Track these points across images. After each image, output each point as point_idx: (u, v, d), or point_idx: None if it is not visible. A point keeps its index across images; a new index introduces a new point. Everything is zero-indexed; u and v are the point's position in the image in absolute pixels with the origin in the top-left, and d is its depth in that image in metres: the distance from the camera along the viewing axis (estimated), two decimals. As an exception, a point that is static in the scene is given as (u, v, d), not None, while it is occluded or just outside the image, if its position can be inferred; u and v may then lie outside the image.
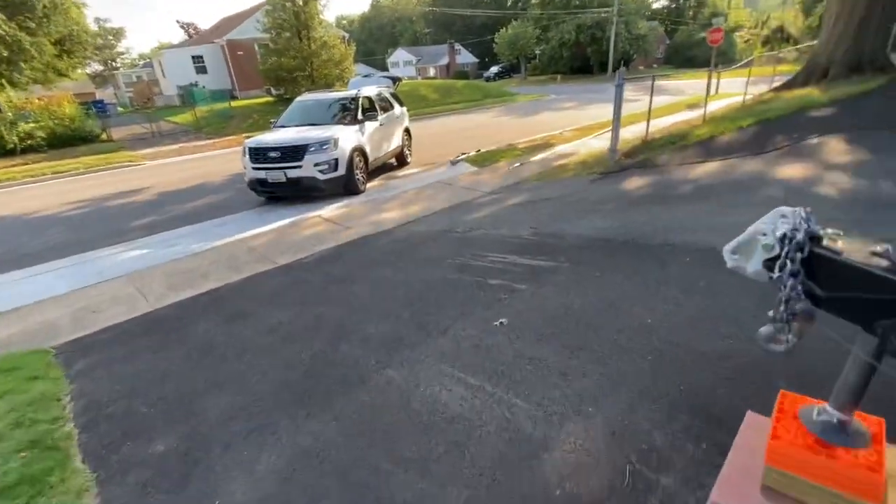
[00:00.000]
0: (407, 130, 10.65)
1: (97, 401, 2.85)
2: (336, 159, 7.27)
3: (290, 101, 21.15)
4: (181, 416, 2.60)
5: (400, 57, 71.49)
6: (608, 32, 39.32)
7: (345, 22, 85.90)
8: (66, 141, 16.12)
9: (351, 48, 24.39)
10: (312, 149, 7.10)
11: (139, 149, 16.13)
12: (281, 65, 21.19)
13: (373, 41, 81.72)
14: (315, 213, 6.87)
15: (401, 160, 10.37)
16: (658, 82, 33.24)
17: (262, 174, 7.25)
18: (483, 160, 9.82)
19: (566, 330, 2.98)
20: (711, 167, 6.34)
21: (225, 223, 6.90)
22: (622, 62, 42.50)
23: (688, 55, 46.19)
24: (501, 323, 3.11)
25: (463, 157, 10.21)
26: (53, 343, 3.78)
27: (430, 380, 2.65)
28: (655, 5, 56.33)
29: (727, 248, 1.18)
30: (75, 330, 3.99)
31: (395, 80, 11.51)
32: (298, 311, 3.74)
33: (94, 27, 66.97)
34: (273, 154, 7.15)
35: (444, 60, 64.85)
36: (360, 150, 7.87)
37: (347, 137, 7.56)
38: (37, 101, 15.77)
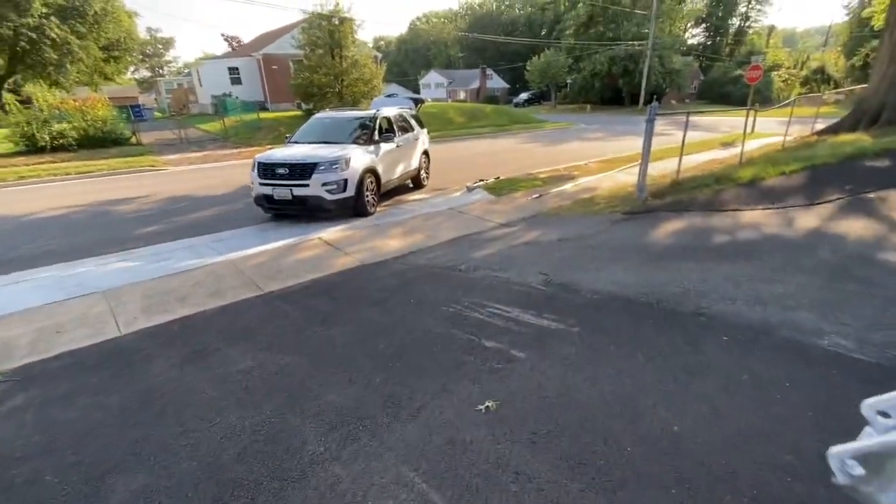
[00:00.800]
0: (426, 153, 10.31)
1: (7, 456, 2.41)
2: (345, 180, 6.92)
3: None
4: (82, 499, 2.11)
5: (432, 79, 72.63)
6: (641, 65, 38.86)
7: (382, 43, 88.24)
8: (97, 142, 16.41)
9: (381, 68, 24.58)
10: (322, 167, 6.77)
11: (165, 154, 16.30)
12: (312, 80, 21.45)
13: (408, 62, 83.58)
14: (316, 235, 6.48)
15: (417, 183, 10.01)
16: (691, 118, 32.39)
17: (268, 190, 6.94)
18: (501, 188, 9.36)
19: (568, 431, 2.35)
20: (753, 217, 5.66)
21: (223, 239, 6.57)
22: (654, 95, 41.94)
23: (722, 92, 45.29)
24: (488, 408, 2.53)
25: (481, 183, 9.77)
26: (1, 367, 3.40)
27: (382, 490, 2.06)
28: (691, 41, 55.85)
29: (839, 452, 0.63)
30: (30, 353, 3.62)
31: (419, 101, 11.24)
32: (263, 358, 3.26)
33: (145, 36, 70.71)
34: (281, 170, 6.84)
35: (475, 84, 65.47)
36: (372, 172, 7.51)
37: (360, 158, 7.22)
38: (72, 102, 16.10)
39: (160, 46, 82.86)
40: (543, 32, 68.28)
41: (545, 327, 3.38)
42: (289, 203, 6.97)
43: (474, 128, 25.34)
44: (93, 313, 4.27)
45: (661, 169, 10.11)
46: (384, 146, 8.00)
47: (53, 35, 29.77)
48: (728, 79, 45.58)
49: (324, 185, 6.78)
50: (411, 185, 9.97)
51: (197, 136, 20.48)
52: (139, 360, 3.37)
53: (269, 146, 17.69)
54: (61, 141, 15.44)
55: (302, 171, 6.77)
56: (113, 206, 8.96)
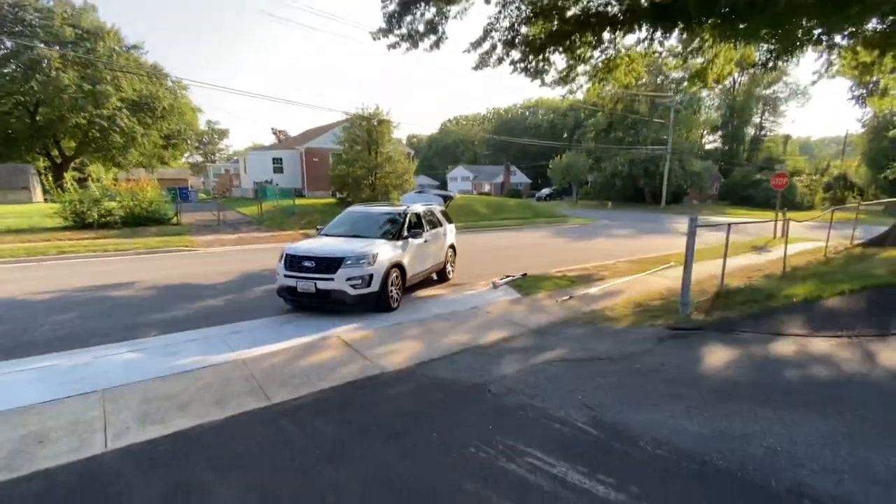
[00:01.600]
0: (452, 247, 10.20)
1: None
2: (370, 275, 6.69)
3: (349, 203, 22.35)
4: None
5: (459, 173, 76.72)
6: (661, 167, 40.07)
7: (415, 140, 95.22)
8: (140, 221, 17.19)
9: (413, 163, 25.94)
10: (348, 262, 6.60)
11: (201, 234, 16.84)
12: (348, 172, 22.65)
13: (437, 158, 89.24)
14: (334, 332, 6.10)
15: (442, 276, 9.77)
16: (715, 218, 32.35)
17: (292, 282, 6.75)
18: (528, 286, 8.98)
19: None
20: (822, 348, 4.95)
21: (239, 331, 6.25)
22: (676, 195, 42.63)
23: (744, 194, 45.75)
24: None
25: (507, 280, 9.44)
26: (-38, 488, 2.94)
27: None
28: (709, 146, 58.00)
29: None
30: (4, 468, 3.17)
31: (447, 198, 11.45)
32: None
33: (204, 127, 78.31)
34: (307, 263, 6.70)
35: (500, 179, 68.57)
36: (398, 266, 7.31)
37: (387, 252, 7.07)
38: (124, 183, 17.23)
39: (216, 136, 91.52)
40: (565, 135, 72.60)
41: (602, 499, 2.69)
42: (311, 296, 6.73)
43: (499, 220, 25.79)
44: (85, 419, 3.85)
45: (697, 273, 9.64)
46: (412, 241, 7.90)
47: (122, 125, 33.18)
48: (749, 182, 46.27)
49: (348, 279, 6.56)
50: (436, 278, 9.73)
51: (234, 219, 21.34)
52: (114, 492, 2.86)
53: (301, 231, 18.18)
54: (107, 218, 16.21)
55: (328, 264, 6.61)
56: (139, 287, 8.92)
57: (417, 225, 8.49)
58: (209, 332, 6.16)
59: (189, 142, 46.55)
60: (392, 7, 9.93)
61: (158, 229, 16.92)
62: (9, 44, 29.69)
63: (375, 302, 6.88)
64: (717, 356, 4.88)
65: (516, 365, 4.81)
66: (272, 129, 76.63)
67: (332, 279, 6.54)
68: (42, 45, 29.57)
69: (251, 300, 8.04)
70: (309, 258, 6.72)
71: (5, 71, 32.68)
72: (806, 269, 9.02)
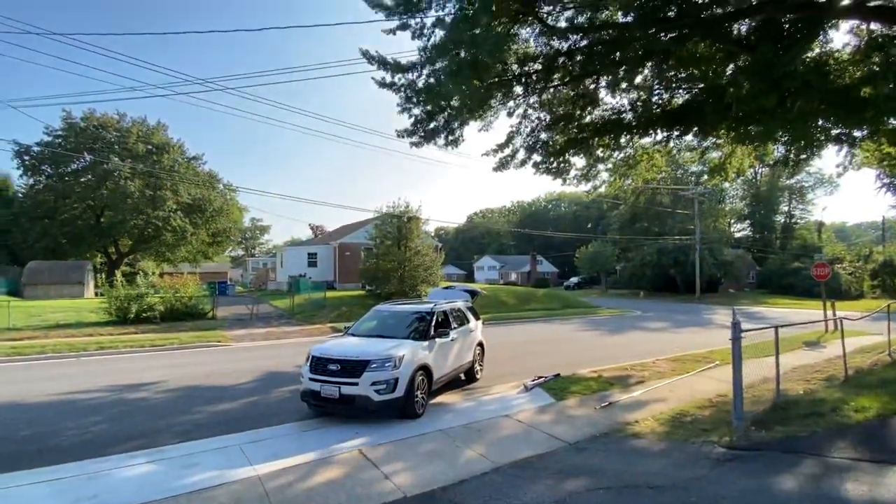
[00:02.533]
0: (480, 344, 9.90)
1: None
2: (396, 379, 6.44)
3: (378, 296, 22.65)
4: None
5: (486, 263, 77.69)
6: (692, 256, 39.39)
7: (442, 231, 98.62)
8: (179, 315, 17.77)
9: (440, 256, 26.52)
10: (374, 365, 6.42)
11: (234, 329, 17.12)
12: (378, 266, 23.29)
13: (464, 248, 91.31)
14: (355, 443, 5.72)
15: (470, 376, 9.37)
16: (755, 308, 30.68)
17: (316, 386, 6.56)
18: (561, 389, 8.41)
19: None
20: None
21: (260, 439, 5.97)
22: (711, 284, 41.23)
23: (782, 283, 43.88)
24: None
25: (538, 381, 8.90)
26: None
27: None
28: (738, 234, 57.25)
29: None
30: None
31: (474, 294, 11.40)
32: None
33: (248, 223, 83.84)
34: (332, 367, 6.56)
35: (526, 268, 68.82)
36: (424, 369, 7.05)
37: (413, 354, 6.87)
38: (168, 279, 18.17)
39: (258, 232, 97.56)
40: (588, 226, 73.72)
41: None
42: (334, 402, 6.47)
43: (526, 311, 25.30)
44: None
45: (747, 374, 8.84)
46: (439, 340, 7.70)
47: (175, 225, 36.01)
48: (787, 270, 44.59)
49: (373, 384, 6.32)
50: (464, 378, 9.30)
51: (267, 312, 21.78)
52: None
53: (330, 324, 18.25)
54: (148, 314, 16.83)
55: (353, 368, 6.44)
56: (167, 387, 8.87)
57: (444, 323, 8.35)
58: (229, 441, 5.90)
59: (233, 238, 49.66)
60: (417, 112, 10.64)
61: (194, 324, 17.35)
62: (88, 157, 33.90)
63: (401, 408, 6.53)
64: (786, 487, 4.19)
65: (551, 493, 4.28)
66: (310, 224, 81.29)
67: (356, 384, 6.32)
68: (116, 159, 33.59)
69: (275, 402, 7.81)
70: (334, 361, 6.58)
71: (82, 180, 36.91)
72: (872, 374, 8.14)
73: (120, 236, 38.68)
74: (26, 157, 36.18)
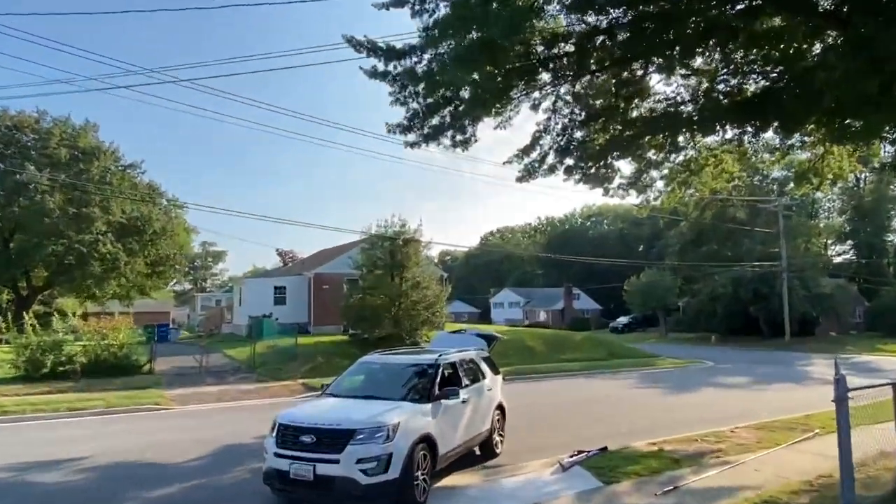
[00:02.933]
0: (500, 407, 9.78)
1: None
2: (389, 454, 6.35)
3: (365, 342, 22.59)
4: None
5: (506, 297, 77.41)
6: (777, 289, 39.04)
7: (448, 258, 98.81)
8: (105, 369, 17.81)
9: (446, 290, 26.53)
10: (360, 437, 6.34)
11: (176, 387, 17.10)
12: (366, 303, 23.31)
13: (476, 278, 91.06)
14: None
15: (487, 449, 9.25)
16: (865, 357, 30.32)
17: (284, 464, 6.47)
18: (611, 468, 8.25)
19: None
20: None
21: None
22: (804, 324, 40.67)
23: (903, 322, 43.21)
24: None
25: (580, 457, 8.74)
26: None
27: None
28: (837, 259, 56.80)
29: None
30: None
31: (491, 340, 11.33)
32: None
33: (198, 250, 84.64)
34: (305, 438, 6.49)
35: (559, 305, 68.47)
36: (426, 441, 6.96)
37: (412, 421, 6.80)
38: (94, 323, 18.29)
39: (210, 260, 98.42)
40: (640, 248, 73.52)
41: None
42: (308, 485, 6.37)
43: (561, 361, 25.09)
44: None
45: (856, 446, 8.63)
46: (445, 403, 7.62)
47: (104, 251, 36.45)
48: (908, 307, 43.97)
49: (359, 461, 6.23)
50: (479, 453, 9.17)
51: (220, 365, 21.77)
52: None
53: (301, 381, 18.17)
54: (67, 367, 16.90)
55: (333, 440, 6.37)
56: (88, 465, 8.80)
57: (453, 379, 8.29)
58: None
59: (178, 268, 50.07)
60: (415, 106, 10.80)
61: (125, 380, 17.36)
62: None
63: (396, 494, 6.40)
64: None
65: None
66: (277, 250, 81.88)
67: (336, 461, 6.23)
68: (32, 168, 34.37)
69: (230, 485, 7.75)
70: (307, 430, 6.53)
71: (-12, 194, 37.69)
72: None
73: (33, 266, 39.14)
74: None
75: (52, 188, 35.55)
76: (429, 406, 7.29)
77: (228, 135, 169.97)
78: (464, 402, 8.16)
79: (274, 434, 6.80)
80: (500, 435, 9.70)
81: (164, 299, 65.68)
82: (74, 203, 36.63)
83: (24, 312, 22.89)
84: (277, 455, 6.59)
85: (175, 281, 70.45)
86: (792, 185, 30.92)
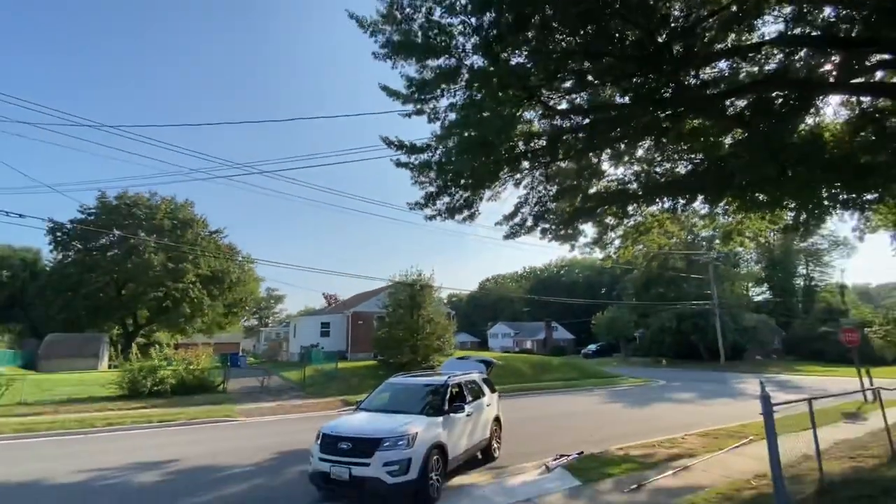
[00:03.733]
0: (497, 420, 9.45)
1: None
2: (409, 458, 6.12)
3: (390, 365, 22.15)
4: None
5: (500, 330, 76.14)
6: (712, 322, 38.21)
7: (455, 299, 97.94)
8: (189, 389, 17.49)
9: (453, 324, 26.21)
10: (386, 444, 6.14)
11: (243, 402, 16.70)
12: (391, 335, 23.04)
13: (476, 315, 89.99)
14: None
15: (487, 455, 8.86)
16: (786, 377, 29.16)
17: (326, 467, 6.25)
18: (587, 469, 7.88)
19: None
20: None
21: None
22: (735, 350, 39.51)
23: (812, 349, 41.85)
24: None
25: (562, 460, 8.36)
26: None
27: None
28: (758, 297, 55.71)
29: None
30: None
31: (489, 364, 11.10)
32: None
33: (263, 293, 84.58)
34: (343, 445, 6.28)
35: (541, 335, 67.13)
36: (439, 448, 6.70)
37: (427, 432, 6.58)
38: (182, 352, 18.11)
39: (272, 301, 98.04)
40: (602, 291, 72.78)
41: None
42: (344, 484, 6.12)
43: (544, 381, 24.34)
44: None
45: (784, 451, 8.19)
46: (454, 416, 7.39)
47: (193, 296, 36.62)
48: (815, 335, 42.70)
49: (385, 464, 6.00)
50: (480, 457, 8.79)
51: (277, 385, 21.31)
52: None
53: (340, 397, 17.73)
54: (159, 387, 16.62)
55: (365, 446, 6.16)
56: (169, 469, 8.51)
57: (459, 397, 8.08)
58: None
59: (248, 308, 50.02)
60: (430, 188, 11.05)
61: (205, 397, 17.01)
62: (117, 233, 35.58)
63: (414, 493, 6.13)
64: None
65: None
66: (324, 294, 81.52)
67: (367, 464, 6.01)
68: (143, 234, 35.16)
69: (283, 485, 7.42)
70: (346, 439, 6.33)
71: (108, 254, 38.40)
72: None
73: (139, 308, 39.32)
74: (58, 234, 38.06)
75: (157, 249, 36.15)
76: (440, 419, 7.07)
77: (293, 208, 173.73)
78: (468, 415, 7.92)
79: (318, 442, 6.59)
80: (498, 442, 9.34)
81: (236, 332, 65.18)
82: (173, 260, 37.17)
83: (130, 344, 22.81)
84: (321, 459, 6.36)
85: (245, 318, 70.18)
86: (718, 242, 30.98)
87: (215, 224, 44.52)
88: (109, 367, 31.91)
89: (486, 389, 9.42)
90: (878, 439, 9.29)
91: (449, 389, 7.82)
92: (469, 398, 8.36)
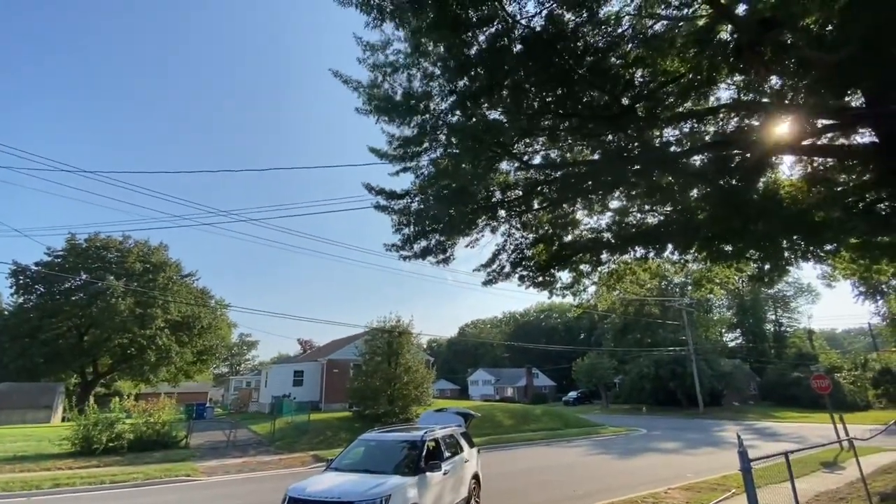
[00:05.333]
0: (476, 478, 9.04)
1: None
2: (380, 527, 5.74)
3: (366, 417, 21.22)
4: None
5: (480, 377, 74.49)
6: (689, 368, 38.40)
7: (435, 344, 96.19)
8: (148, 444, 16.28)
9: (431, 373, 25.55)
10: (354, 509, 5.77)
11: (207, 458, 15.61)
12: (367, 385, 22.24)
13: (456, 361, 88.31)
14: None
15: (465, 516, 8.37)
16: (764, 423, 29.16)
17: (290, 537, 5.80)
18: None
19: None
20: None
21: None
22: (713, 397, 39.53)
23: (786, 394, 42.23)
24: None
25: (542, 521, 7.98)
26: None
27: None
28: (732, 343, 56.61)
29: None
30: None
31: (468, 417, 10.77)
32: None
33: (236, 339, 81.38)
34: (309, 512, 5.88)
35: (522, 382, 65.94)
36: (412, 511, 6.33)
37: (401, 494, 6.22)
38: (143, 404, 16.96)
39: (245, 348, 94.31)
40: (581, 336, 72.83)
41: None
42: (309, 559, 5.66)
43: (525, 432, 23.63)
44: None
45: (767, 508, 8.02)
46: (430, 475, 7.04)
47: (160, 343, 34.91)
48: (789, 380, 43.24)
49: (354, 534, 5.61)
50: (458, 519, 8.30)
51: (245, 438, 20.07)
52: None
53: (312, 453, 16.76)
54: (115, 443, 15.44)
55: (333, 512, 5.77)
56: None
57: (436, 453, 7.74)
58: None
59: (218, 356, 47.86)
60: (408, 232, 11.12)
61: (165, 453, 15.83)
62: (84, 276, 34.15)
63: (385, 567, 5.71)
64: None
65: None
66: (298, 340, 79.11)
67: (335, 534, 5.61)
68: (111, 278, 33.81)
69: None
70: (313, 503, 5.92)
71: (73, 298, 36.61)
72: (899, 502, 7.46)
73: (101, 355, 37.13)
74: (21, 277, 36.30)
75: (126, 294, 34.74)
76: (415, 479, 6.73)
77: (266, 252, 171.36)
78: (445, 473, 7.55)
79: (284, 507, 6.15)
80: (477, 500, 8.89)
81: (205, 381, 61.84)
82: (141, 305, 35.68)
83: (88, 394, 21.19)
84: (286, 526, 5.91)
85: (216, 366, 66.95)
86: (690, 288, 31.73)
87: (189, 268, 43.35)
88: (63, 419, 29.60)
89: (464, 444, 9.08)
90: (856, 490, 9.25)
91: (425, 446, 7.51)
92: (447, 454, 8.02)
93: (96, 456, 14.84)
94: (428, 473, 6.97)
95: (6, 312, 39.35)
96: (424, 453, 7.30)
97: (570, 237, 12.45)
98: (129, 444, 15.84)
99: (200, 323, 38.90)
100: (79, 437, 15.28)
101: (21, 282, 36.75)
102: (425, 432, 7.89)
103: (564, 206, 11.67)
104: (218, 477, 13.29)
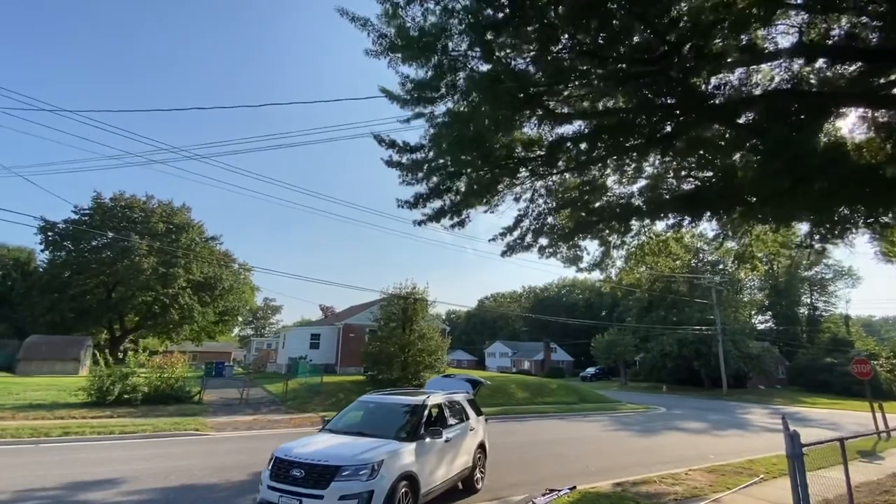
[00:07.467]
0: (482, 447, 8.57)
1: None
2: (371, 491, 5.30)
3: (379, 381, 21.18)
4: None
5: (497, 349, 74.69)
6: (714, 349, 37.13)
7: (454, 315, 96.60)
8: (162, 398, 16.57)
9: (446, 341, 25.27)
10: (345, 473, 5.33)
11: (218, 415, 15.79)
12: (381, 349, 22.14)
13: (475, 332, 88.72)
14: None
15: (469, 485, 7.96)
16: (794, 409, 28.06)
17: (274, 497, 5.42)
18: (579, 508, 7.00)
19: None
20: None
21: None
22: (738, 378, 38.35)
23: (818, 379, 40.57)
24: None
25: (551, 496, 7.47)
26: None
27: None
28: (761, 326, 54.62)
29: None
30: None
31: (477, 384, 10.24)
32: None
33: (260, 303, 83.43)
34: (296, 472, 5.47)
35: (540, 356, 65.77)
36: (408, 478, 5.87)
37: (396, 459, 5.77)
38: (156, 360, 17.22)
39: (269, 312, 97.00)
40: (604, 313, 71.54)
41: None
42: (294, 519, 5.28)
43: (539, 405, 23.28)
44: None
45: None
46: (430, 441, 6.56)
47: (182, 302, 35.79)
48: (820, 366, 41.49)
49: (341, 497, 5.18)
50: (461, 488, 7.90)
51: (258, 397, 20.36)
52: None
53: (322, 414, 16.75)
54: (129, 395, 15.71)
55: (320, 475, 5.35)
56: (119, 490, 7.66)
57: (439, 419, 7.27)
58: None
59: (241, 318, 49.12)
60: (422, 190, 10.34)
61: (177, 408, 16.10)
62: (111, 234, 34.97)
63: (375, 532, 5.29)
64: None
65: None
66: (320, 305, 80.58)
67: (321, 496, 5.19)
68: (136, 237, 34.51)
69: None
70: (298, 464, 5.51)
71: (102, 256, 37.74)
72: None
73: (127, 312, 38.47)
74: (49, 234, 37.46)
75: (149, 253, 35.49)
76: (413, 445, 6.24)
77: (295, 218, 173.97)
78: (447, 441, 7.07)
79: (269, 466, 5.77)
80: (482, 472, 8.44)
81: (229, 342, 63.95)
82: (164, 265, 36.47)
83: (116, 349, 21.86)
84: (270, 487, 5.54)
85: (239, 328, 69.06)
86: (731, 263, 30.10)
87: (213, 232, 43.96)
88: (90, 372, 30.92)
89: (470, 412, 8.57)
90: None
91: (427, 410, 7.02)
92: (451, 421, 7.55)
93: (110, 407, 15.16)
94: (428, 440, 6.49)
95: (41, 269, 40.99)
96: (425, 419, 6.83)
97: (598, 203, 11.50)
98: (144, 397, 16.13)
99: (222, 284, 39.67)
100: (94, 388, 15.62)
101: (50, 238, 37.97)
102: (428, 396, 7.40)
103: (593, 169, 10.68)
104: (225, 433, 13.35)
